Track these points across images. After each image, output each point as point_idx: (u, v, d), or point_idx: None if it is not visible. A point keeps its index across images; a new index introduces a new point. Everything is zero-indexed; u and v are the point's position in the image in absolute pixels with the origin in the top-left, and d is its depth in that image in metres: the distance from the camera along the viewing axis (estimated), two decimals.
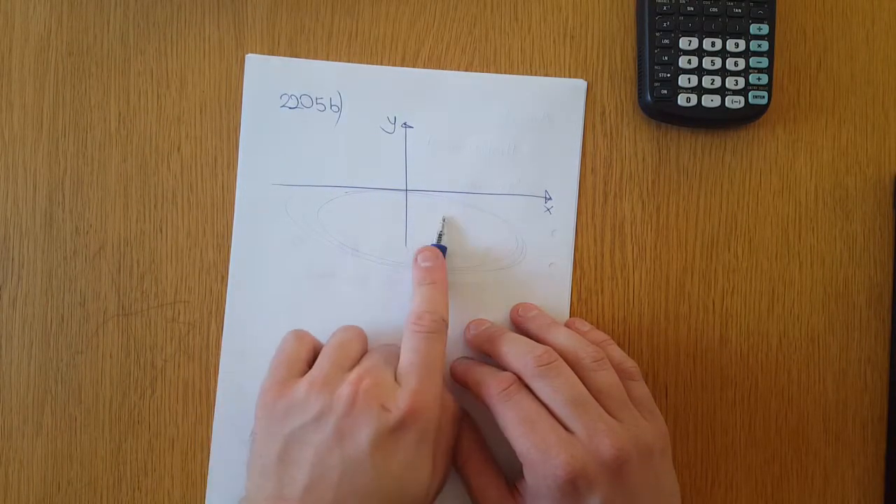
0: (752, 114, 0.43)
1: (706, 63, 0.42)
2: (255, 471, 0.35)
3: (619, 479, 0.34)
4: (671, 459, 0.37)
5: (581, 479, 0.33)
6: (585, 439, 0.34)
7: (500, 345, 0.39)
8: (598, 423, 0.35)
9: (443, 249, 0.42)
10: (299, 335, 0.39)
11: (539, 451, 0.34)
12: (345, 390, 0.35)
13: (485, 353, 0.40)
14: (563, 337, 0.39)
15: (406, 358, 0.36)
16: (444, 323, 0.38)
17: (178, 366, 0.42)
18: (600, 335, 0.40)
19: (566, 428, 0.35)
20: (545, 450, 0.34)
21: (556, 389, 0.35)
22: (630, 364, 0.39)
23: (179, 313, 0.43)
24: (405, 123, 0.43)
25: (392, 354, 0.38)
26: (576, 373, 0.36)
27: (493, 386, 0.37)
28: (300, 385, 0.36)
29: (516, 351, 0.38)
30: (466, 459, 0.39)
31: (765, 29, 0.42)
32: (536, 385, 0.36)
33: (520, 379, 0.37)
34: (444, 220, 0.42)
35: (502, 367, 0.38)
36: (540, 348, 0.37)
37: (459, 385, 0.41)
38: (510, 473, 0.39)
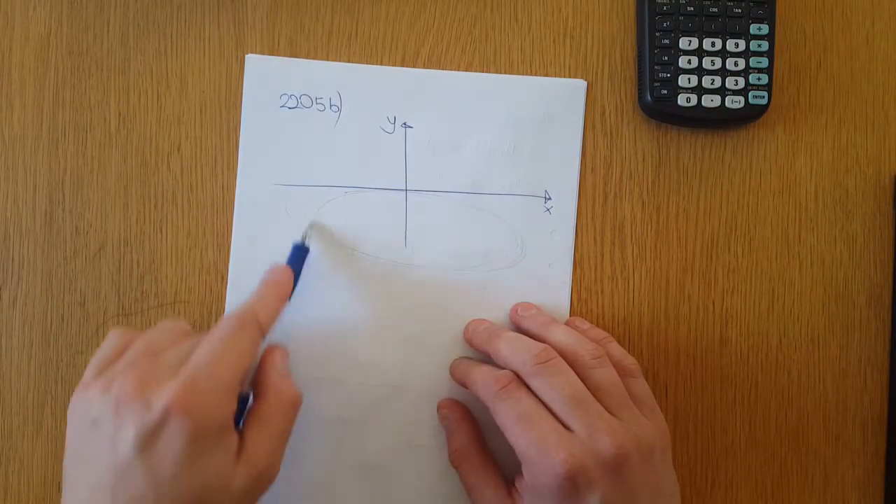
0: (752, 114, 0.43)
1: (706, 63, 0.42)
2: (63, 480, 0.33)
3: (619, 478, 0.34)
4: (671, 458, 0.37)
5: (581, 477, 0.33)
6: (585, 437, 0.34)
7: (498, 343, 0.38)
8: (597, 421, 0.34)
9: (304, 252, 0.41)
10: (118, 332, 0.36)
11: (538, 450, 0.34)
12: (113, 390, 0.32)
13: (484, 352, 0.40)
14: (561, 335, 0.38)
15: (198, 351, 0.33)
16: (257, 324, 0.36)
17: None
18: (600, 333, 0.40)
19: (565, 426, 0.35)
20: (544, 448, 0.34)
21: (555, 387, 0.35)
22: (630, 361, 0.39)
23: (179, 313, 0.43)
24: (405, 123, 0.43)
25: (194, 345, 0.35)
26: (575, 371, 0.36)
27: (491, 384, 0.37)
28: (90, 386, 0.33)
29: (515, 349, 0.37)
30: (464, 458, 0.40)
31: (765, 29, 0.42)
32: (535, 383, 0.36)
33: (518, 377, 0.37)
34: (310, 225, 0.42)
35: (501, 367, 0.38)
36: (538, 346, 0.37)
37: (459, 384, 0.41)
38: (509, 472, 0.39)
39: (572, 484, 0.33)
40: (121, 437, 0.31)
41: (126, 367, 0.33)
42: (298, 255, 0.41)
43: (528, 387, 0.36)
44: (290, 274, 0.40)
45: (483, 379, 0.38)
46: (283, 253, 0.42)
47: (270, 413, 0.35)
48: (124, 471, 0.31)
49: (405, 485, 0.42)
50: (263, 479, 0.34)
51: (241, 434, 0.34)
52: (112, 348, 0.36)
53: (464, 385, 0.40)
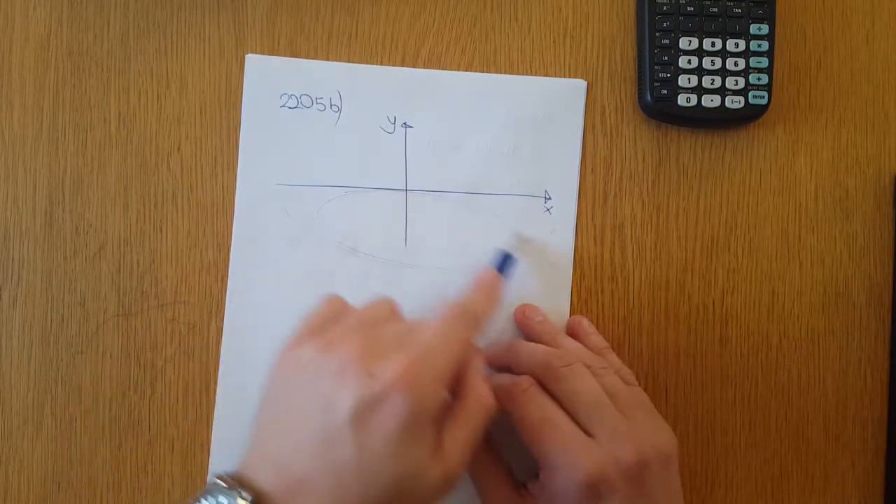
0: (752, 114, 0.43)
1: (706, 63, 0.42)
2: (253, 432, 0.32)
3: (639, 484, 0.34)
4: (678, 463, 0.37)
5: (602, 484, 0.33)
6: (606, 443, 0.34)
7: (517, 349, 0.39)
8: (619, 427, 0.35)
9: (511, 260, 0.41)
10: (335, 298, 0.36)
11: (559, 455, 0.34)
12: (337, 351, 0.31)
13: (502, 363, 0.40)
14: (571, 344, 0.39)
15: (420, 332, 0.33)
16: (474, 318, 0.35)
17: (178, 366, 0.42)
18: (600, 342, 0.41)
19: (585, 431, 0.35)
20: (566, 454, 0.34)
21: (578, 392, 0.36)
22: (627, 371, 0.39)
23: (179, 313, 0.43)
24: (405, 123, 0.43)
25: (412, 327, 0.35)
26: None
27: (511, 388, 0.37)
28: (307, 344, 0.33)
29: (537, 352, 0.38)
30: (473, 457, 0.40)
31: (765, 29, 0.42)
32: (558, 387, 0.36)
33: (537, 383, 0.37)
34: (517, 237, 0.43)
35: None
36: (559, 350, 0.37)
37: None
38: (517, 472, 0.39)
39: (593, 491, 0.33)
40: (338, 401, 0.30)
41: (349, 332, 0.32)
42: (505, 262, 0.41)
43: (546, 393, 0.37)
44: (499, 278, 0.40)
45: (503, 384, 0.38)
46: (283, 252, 0.42)
47: (468, 414, 0.33)
48: (335, 436, 0.29)
49: None
50: (450, 482, 0.32)
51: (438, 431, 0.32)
52: (328, 312, 0.35)
53: None
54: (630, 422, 0.35)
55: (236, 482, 0.29)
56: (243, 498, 0.28)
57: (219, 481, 0.29)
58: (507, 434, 0.38)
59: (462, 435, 0.33)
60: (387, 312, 0.36)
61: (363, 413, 0.29)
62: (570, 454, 0.34)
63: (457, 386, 0.34)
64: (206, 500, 0.29)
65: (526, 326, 0.42)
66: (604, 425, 0.35)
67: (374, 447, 0.29)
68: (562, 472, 0.34)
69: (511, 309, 0.42)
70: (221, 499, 0.28)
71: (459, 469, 0.32)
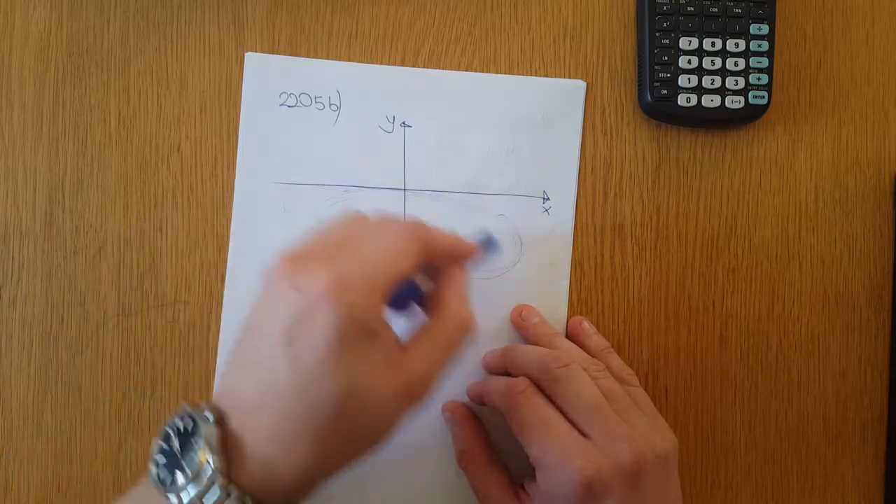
0: (752, 114, 0.43)
1: (706, 63, 0.42)
2: (223, 371, 0.33)
3: (635, 485, 0.34)
4: (677, 465, 0.37)
5: (597, 484, 0.33)
6: (602, 444, 0.34)
7: (513, 351, 0.39)
8: (615, 427, 0.35)
9: (493, 244, 0.39)
10: (353, 213, 0.34)
11: (555, 456, 0.34)
12: (267, 277, 0.30)
13: (499, 365, 0.40)
14: (567, 346, 0.39)
15: (361, 244, 0.31)
16: (423, 243, 0.32)
17: (178, 366, 0.42)
18: (602, 342, 0.41)
19: (581, 433, 0.35)
20: (562, 454, 0.34)
21: (576, 393, 0.36)
22: (628, 372, 0.39)
23: (179, 313, 0.43)
24: (404, 123, 0.43)
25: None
26: None
27: (508, 390, 0.37)
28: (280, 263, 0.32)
29: (534, 354, 0.38)
30: (470, 459, 0.40)
31: (765, 29, 0.42)
32: (555, 388, 0.36)
33: (533, 385, 0.37)
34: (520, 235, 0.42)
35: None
36: (556, 352, 0.38)
37: (476, 403, 0.41)
38: (515, 473, 0.39)
39: (588, 492, 0.33)
40: (271, 324, 0.29)
41: (293, 252, 0.31)
42: (487, 244, 0.38)
43: (542, 394, 0.37)
44: (473, 245, 0.36)
45: (499, 386, 0.38)
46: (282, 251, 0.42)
47: (439, 331, 0.33)
48: (271, 357, 0.29)
49: (412, 486, 0.42)
50: (413, 395, 0.31)
51: (405, 346, 0.32)
52: (335, 222, 0.34)
53: (480, 401, 0.40)
54: (627, 423, 0.35)
55: (204, 405, 0.30)
56: (205, 419, 0.29)
57: (187, 405, 0.30)
58: (504, 435, 0.38)
59: (427, 350, 0.32)
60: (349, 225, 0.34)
61: (292, 331, 0.29)
62: (566, 455, 0.34)
63: (436, 304, 0.34)
64: (175, 420, 0.30)
65: (522, 328, 0.42)
66: (600, 426, 0.35)
67: (306, 362, 0.28)
68: (557, 473, 0.34)
69: (508, 310, 0.42)
70: (187, 419, 0.30)
71: (419, 382, 0.31)
